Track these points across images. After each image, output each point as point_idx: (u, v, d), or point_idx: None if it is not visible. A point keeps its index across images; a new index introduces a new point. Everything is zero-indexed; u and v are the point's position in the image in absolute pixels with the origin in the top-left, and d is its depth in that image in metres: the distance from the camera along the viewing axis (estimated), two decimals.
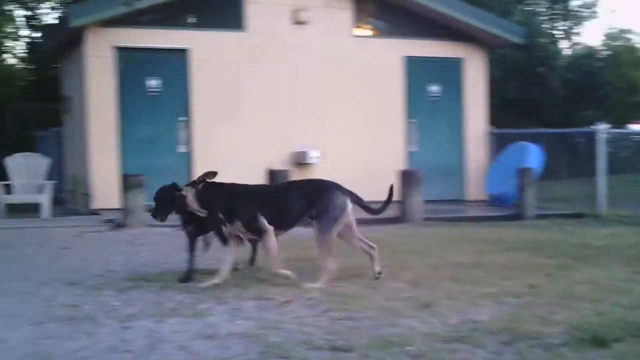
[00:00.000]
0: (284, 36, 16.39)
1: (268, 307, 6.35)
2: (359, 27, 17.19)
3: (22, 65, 27.42)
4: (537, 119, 25.94)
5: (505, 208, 15.14)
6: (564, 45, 34.13)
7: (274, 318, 5.93)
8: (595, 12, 34.71)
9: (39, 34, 25.80)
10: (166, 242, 10.46)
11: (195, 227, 7.66)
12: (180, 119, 15.69)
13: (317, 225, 7.25)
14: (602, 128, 15.33)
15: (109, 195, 14.30)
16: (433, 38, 17.51)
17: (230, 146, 15.70)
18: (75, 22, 14.83)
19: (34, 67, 26.92)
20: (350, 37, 17.03)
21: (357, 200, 7.51)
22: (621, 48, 34.00)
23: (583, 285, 7.08)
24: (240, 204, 7.34)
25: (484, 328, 5.46)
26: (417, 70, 17.35)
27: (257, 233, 7.28)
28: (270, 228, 7.21)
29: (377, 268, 7.53)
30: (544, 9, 33.62)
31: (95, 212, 14.53)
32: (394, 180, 13.53)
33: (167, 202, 7.55)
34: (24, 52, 28.16)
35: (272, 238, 7.22)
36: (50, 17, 27.73)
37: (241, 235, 7.44)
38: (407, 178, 13.66)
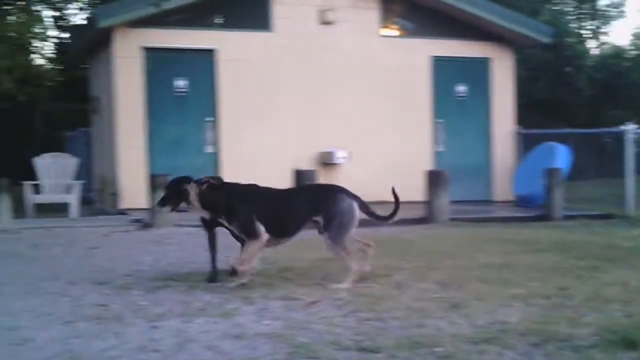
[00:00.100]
0: (310, 36, 16.39)
1: (295, 307, 6.35)
2: (386, 27, 17.16)
3: (50, 66, 27.60)
4: (564, 119, 25.77)
5: (533, 209, 15.06)
6: (591, 45, 33.96)
7: (302, 318, 5.93)
8: (622, 12, 34.56)
9: (67, 35, 25.96)
10: (193, 241, 10.46)
11: (213, 226, 7.65)
12: (208, 119, 15.73)
13: (329, 235, 7.17)
14: (630, 128, 15.20)
15: (136, 195, 14.35)
16: (460, 38, 17.46)
17: (257, 146, 15.74)
18: (104, 23, 14.91)
19: (62, 67, 27.10)
20: (378, 37, 17.01)
21: (363, 206, 7.40)
22: None
23: (612, 286, 7.03)
24: (238, 206, 7.24)
25: (512, 329, 5.42)
26: (445, 70, 17.31)
27: (251, 236, 7.18)
28: (265, 237, 7.13)
29: (367, 267, 7.45)
30: (572, 9, 33.47)
31: (123, 212, 14.59)
32: (420, 180, 13.61)
33: (174, 193, 7.55)
34: (53, 53, 28.37)
35: (260, 246, 7.16)
36: (78, 17, 27.95)
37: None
38: (434, 178, 13.61)
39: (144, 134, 15.32)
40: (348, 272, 7.19)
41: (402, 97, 16.99)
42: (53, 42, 28.23)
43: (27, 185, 15.18)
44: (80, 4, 28.25)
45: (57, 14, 28.01)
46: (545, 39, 18.26)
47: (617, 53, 31.74)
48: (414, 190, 14.69)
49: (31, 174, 15.71)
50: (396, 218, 7.64)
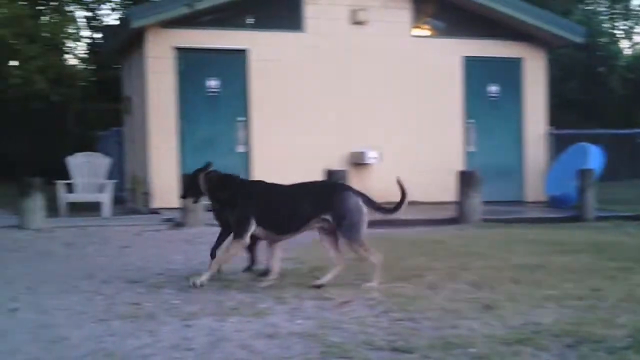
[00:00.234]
0: (342, 36, 16.40)
1: (327, 306, 6.35)
2: (417, 27, 17.13)
3: (83, 66, 27.80)
4: (596, 119, 25.62)
5: (565, 210, 14.97)
6: (624, 44, 33.70)
7: (334, 318, 5.92)
8: None
9: (100, 35, 26.15)
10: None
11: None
12: (239, 119, 15.78)
13: (342, 235, 7.11)
14: None
15: (168, 194, 14.41)
16: (492, 38, 17.40)
17: (288, 146, 15.76)
18: (136, 23, 15.01)
19: (95, 67, 27.29)
20: (409, 37, 16.98)
21: (369, 202, 7.31)
22: None
23: None
24: (241, 201, 7.22)
25: (546, 331, 5.39)
26: (476, 71, 17.26)
27: (237, 235, 7.15)
28: (247, 241, 7.13)
29: (327, 278, 7.19)
30: (605, 9, 33.23)
31: (154, 211, 14.68)
32: (453, 180, 13.59)
33: (191, 184, 7.61)
34: (85, 53, 28.58)
35: (240, 248, 7.17)
36: (110, 18, 28.14)
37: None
38: (466, 179, 13.58)
39: (176, 134, 15.40)
40: (373, 269, 7.19)
41: (434, 98, 16.95)
42: (86, 43, 28.50)
43: (61, 184, 15.29)
44: (112, 5, 28.46)
45: (89, 14, 28.26)
46: (578, 39, 18.12)
47: None
48: (445, 190, 14.75)
49: (64, 173, 15.83)
50: (402, 210, 7.42)
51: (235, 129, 15.80)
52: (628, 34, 33.98)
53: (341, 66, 16.37)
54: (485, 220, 13.34)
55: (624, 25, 33.84)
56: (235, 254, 7.28)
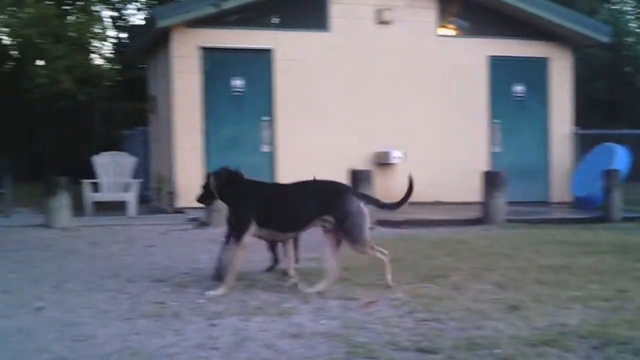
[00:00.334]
0: (367, 36, 16.39)
1: (352, 306, 6.35)
2: (443, 26, 17.11)
3: (109, 66, 27.93)
4: (623, 119, 25.44)
5: (591, 210, 14.89)
6: None
7: (359, 318, 5.93)
8: None
9: (126, 35, 26.28)
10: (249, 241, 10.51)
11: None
12: (264, 118, 15.81)
13: (346, 237, 7.03)
14: None
15: (193, 194, 14.38)
16: (518, 37, 17.33)
17: (313, 146, 15.76)
18: (162, 23, 15.05)
19: (120, 67, 27.42)
20: (434, 36, 16.95)
21: (371, 201, 7.30)
22: None
23: None
24: (243, 203, 7.19)
25: (572, 332, 5.37)
26: (502, 70, 17.19)
27: (237, 237, 7.11)
28: (247, 247, 7.08)
29: (319, 288, 7.02)
30: (631, 8, 32.98)
31: (180, 211, 14.71)
32: (478, 180, 13.55)
33: (205, 187, 7.60)
34: (111, 53, 28.71)
35: (242, 254, 7.08)
36: (136, 17, 28.28)
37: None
38: (491, 179, 13.53)
39: (201, 133, 15.44)
40: (384, 268, 7.15)
41: (459, 97, 16.91)
42: (112, 42, 28.63)
43: (86, 183, 15.38)
44: (138, 5, 28.61)
45: (115, 14, 28.41)
46: (605, 39, 18.02)
47: None
48: (470, 191, 14.70)
49: (90, 173, 15.92)
50: (404, 205, 7.28)
51: (259, 129, 15.82)
52: None
53: (366, 66, 16.36)
54: (510, 221, 13.30)
55: None
56: (241, 259, 7.16)
